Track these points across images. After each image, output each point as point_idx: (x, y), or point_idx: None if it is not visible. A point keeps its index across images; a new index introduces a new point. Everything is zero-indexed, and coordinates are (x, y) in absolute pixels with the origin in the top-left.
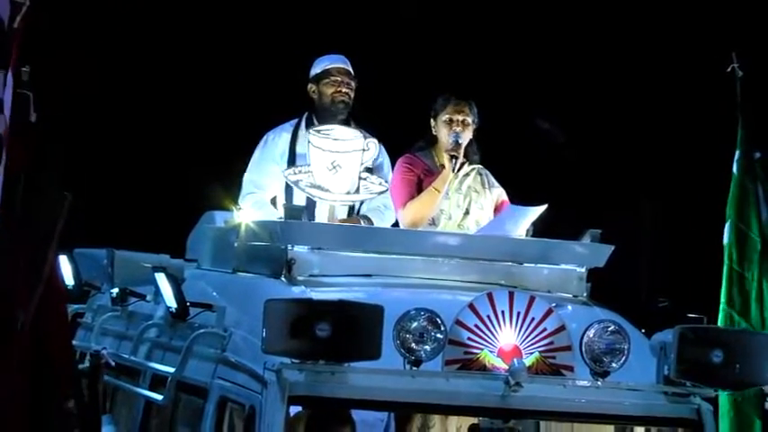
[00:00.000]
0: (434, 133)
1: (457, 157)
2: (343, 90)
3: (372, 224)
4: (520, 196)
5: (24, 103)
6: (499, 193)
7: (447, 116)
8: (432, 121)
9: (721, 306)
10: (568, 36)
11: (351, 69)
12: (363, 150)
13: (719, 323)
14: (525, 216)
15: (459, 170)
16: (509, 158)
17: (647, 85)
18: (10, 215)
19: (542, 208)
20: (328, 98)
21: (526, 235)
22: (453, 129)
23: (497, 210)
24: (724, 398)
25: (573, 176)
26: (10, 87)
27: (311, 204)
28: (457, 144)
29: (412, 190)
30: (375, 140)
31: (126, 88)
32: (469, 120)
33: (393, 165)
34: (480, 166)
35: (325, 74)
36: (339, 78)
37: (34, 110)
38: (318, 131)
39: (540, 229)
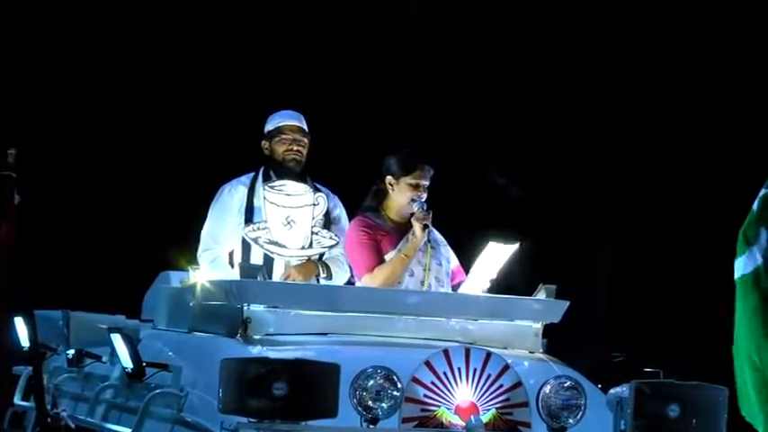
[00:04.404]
0: (389, 191)
1: (428, 226)
2: (295, 148)
3: (331, 272)
4: (475, 239)
5: (9, 185)
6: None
7: (414, 181)
8: (390, 177)
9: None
10: (529, 76)
11: (304, 126)
12: (314, 205)
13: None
14: (505, 253)
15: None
16: (462, 199)
17: (610, 125)
18: None
19: (516, 246)
20: (280, 156)
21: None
22: (418, 194)
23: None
24: None
25: (529, 225)
26: None
27: (269, 261)
28: (427, 211)
29: (374, 254)
30: (324, 195)
31: (80, 145)
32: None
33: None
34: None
35: (277, 132)
36: (290, 136)
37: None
38: (273, 187)
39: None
